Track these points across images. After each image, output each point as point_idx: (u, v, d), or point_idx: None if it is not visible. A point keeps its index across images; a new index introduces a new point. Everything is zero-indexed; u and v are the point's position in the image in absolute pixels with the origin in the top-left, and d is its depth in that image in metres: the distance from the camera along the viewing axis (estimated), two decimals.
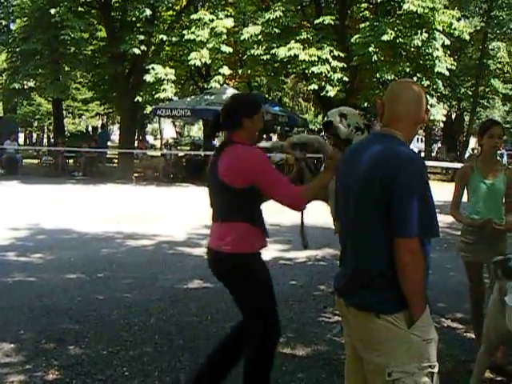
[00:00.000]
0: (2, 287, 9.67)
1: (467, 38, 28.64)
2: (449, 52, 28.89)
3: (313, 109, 56.10)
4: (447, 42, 27.66)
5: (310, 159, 5.66)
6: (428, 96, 27.03)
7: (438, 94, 29.91)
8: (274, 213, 18.51)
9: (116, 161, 33.94)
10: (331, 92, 27.41)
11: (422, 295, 3.60)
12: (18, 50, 33.04)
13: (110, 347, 7.01)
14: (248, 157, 5.06)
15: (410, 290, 3.55)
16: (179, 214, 17.94)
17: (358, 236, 3.70)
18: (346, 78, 27.48)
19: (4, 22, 34.61)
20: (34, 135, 61.95)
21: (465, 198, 6.80)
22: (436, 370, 3.63)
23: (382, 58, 27.25)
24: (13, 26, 36.06)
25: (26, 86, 35.90)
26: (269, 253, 12.63)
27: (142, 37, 28.41)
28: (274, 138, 38.70)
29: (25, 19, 33.10)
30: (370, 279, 3.63)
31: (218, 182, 5.10)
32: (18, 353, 6.88)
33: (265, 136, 37.73)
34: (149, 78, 28.20)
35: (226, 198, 5.11)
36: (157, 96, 29.26)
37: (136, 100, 29.66)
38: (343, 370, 4.11)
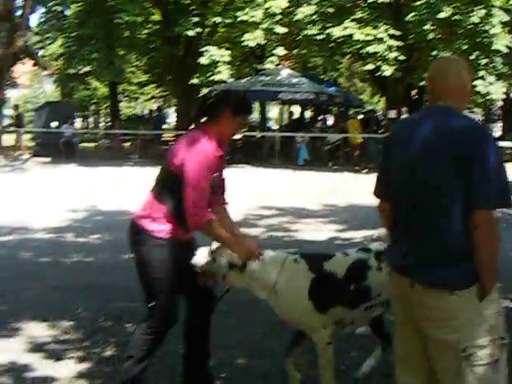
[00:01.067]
0: (60, 267, 9.82)
1: None
2: (508, 29, 28.30)
3: (369, 89, 55.66)
4: (506, 19, 27.15)
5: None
6: (486, 74, 26.64)
7: (497, 72, 29.39)
8: (330, 193, 18.57)
9: (172, 143, 33.95)
10: (387, 71, 27.16)
11: (495, 268, 3.55)
12: (73, 35, 33.40)
13: None
14: (191, 143, 4.96)
15: (486, 262, 3.50)
16: (235, 195, 17.95)
17: (430, 211, 3.61)
18: (401, 57, 27.17)
19: (59, 8, 34.87)
20: (91, 119, 62.54)
21: None
22: (506, 341, 3.61)
23: (439, 36, 26.89)
24: (68, 12, 36.35)
25: (81, 71, 36.22)
26: (325, 233, 12.69)
27: (195, 19, 28.44)
28: (330, 118, 38.56)
29: (80, 4, 33.35)
30: (444, 254, 3.56)
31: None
32: (76, 330, 6.99)
33: (320, 117, 37.66)
34: (203, 60, 28.23)
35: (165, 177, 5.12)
36: (212, 78, 29.24)
37: (191, 82, 29.69)
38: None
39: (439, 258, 3.57)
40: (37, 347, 6.53)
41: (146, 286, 5.18)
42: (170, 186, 4.99)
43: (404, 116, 31.95)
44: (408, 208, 3.74)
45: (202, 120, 5.16)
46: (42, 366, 5.98)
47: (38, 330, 7.04)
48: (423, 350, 3.73)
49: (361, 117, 32.12)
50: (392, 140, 3.95)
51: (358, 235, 12.43)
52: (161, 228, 5.00)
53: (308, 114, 42.67)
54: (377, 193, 4.05)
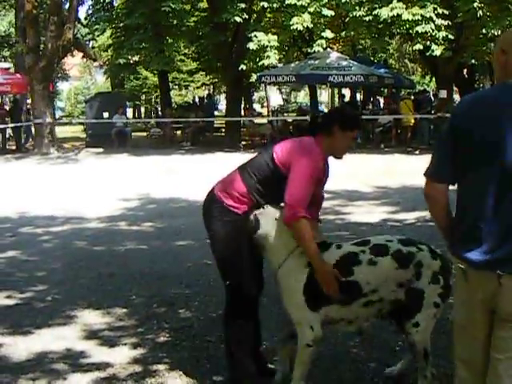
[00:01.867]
0: (114, 255, 9.92)
1: None
2: None
3: (420, 69, 55.17)
4: None
5: None
6: None
7: None
8: (381, 175, 18.45)
9: (223, 130, 34.14)
10: (437, 51, 26.78)
11: None
12: (121, 25, 33.61)
13: (219, 310, 7.07)
14: (306, 149, 5.01)
15: None
16: None
17: None
18: (451, 36, 26.76)
19: None
20: (142, 108, 62.95)
21: None
22: None
23: (488, 13, 26.41)
24: (115, 2, 36.60)
25: (131, 61, 36.46)
26: (377, 215, 12.64)
27: (243, 5, 28.33)
28: (381, 100, 38.26)
29: None
30: None
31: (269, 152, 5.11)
32: (130, 317, 7.06)
33: (372, 99, 37.39)
34: (252, 45, 28.11)
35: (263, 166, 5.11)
36: (261, 63, 29.13)
37: (240, 68, 29.63)
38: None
39: None
40: (91, 334, 6.61)
41: (221, 264, 5.22)
42: (266, 174, 5.05)
43: (463, 95, 31.55)
44: (493, 194, 3.41)
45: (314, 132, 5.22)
46: (97, 353, 6.06)
47: (93, 318, 7.12)
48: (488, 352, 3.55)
49: (413, 97, 31.87)
50: (463, 119, 3.55)
51: (410, 217, 12.38)
52: (238, 205, 5.05)
53: (359, 96, 42.42)
54: (433, 175, 3.70)
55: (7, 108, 34.46)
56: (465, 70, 36.59)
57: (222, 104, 53.33)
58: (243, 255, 5.05)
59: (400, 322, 5.09)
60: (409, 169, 19.25)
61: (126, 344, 6.29)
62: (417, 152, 25.32)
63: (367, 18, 27.31)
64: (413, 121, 28.44)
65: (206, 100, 39.64)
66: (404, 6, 26.43)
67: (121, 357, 5.98)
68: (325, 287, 4.79)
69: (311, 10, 27.75)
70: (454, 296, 3.78)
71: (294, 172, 4.87)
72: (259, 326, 5.47)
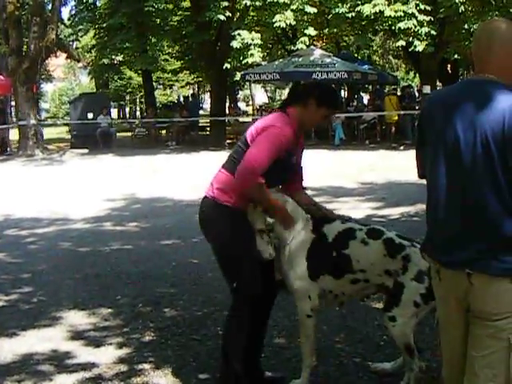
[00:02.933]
0: (100, 256, 9.92)
1: None
2: None
3: (403, 66, 55.28)
4: None
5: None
6: None
7: None
8: (366, 171, 18.52)
9: (208, 129, 34.15)
10: (420, 47, 26.81)
11: None
12: (104, 25, 33.61)
13: (205, 308, 7.13)
14: (272, 121, 5.02)
15: None
16: None
17: (489, 196, 3.32)
18: (433, 32, 26.79)
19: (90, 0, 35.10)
20: (127, 108, 62.89)
21: None
22: None
23: (470, 8, 26.51)
24: (98, 3, 36.53)
25: (115, 61, 36.42)
26: (362, 211, 12.68)
27: (225, 3, 28.29)
28: (366, 97, 38.36)
29: None
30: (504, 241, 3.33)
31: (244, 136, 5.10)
32: (115, 317, 7.06)
33: (356, 96, 37.47)
34: (235, 44, 28.10)
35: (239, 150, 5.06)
36: (245, 61, 29.13)
37: (224, 67, 29.65)
38: None
39: (508, 246, 3.35)
40: (77, 335, 6.61)
41: (227, 264, 5.16)
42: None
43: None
44: (448, 195, 3.45)
45: (288, 103, 5.21)
46: (83, 353, 6.06)
47: (78, 318, 7.12)
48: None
49: (398, 93, 31.99)
50: (422, 118, 3.67)
51: (395, 212, 12.44)
52: (235, 199, 4.99)
53: (343, 93, 42.51)
54: (421, 176, 3.75)
55: None
56: (448, 66, 36.71)
57: (207, 103, 53.32)
58: (248, 250, 4.99)
59: None
60: (393, 164, 19.35)
61: (111, 344, 6.29)
62: (401, 148, 25.43)
63: (350, 15, 27.34)
64: (396, 117, 28.54)
65: (190, 99, 39.63)
66: (386, 3, 26.47)
67: (106, 357, 5.98)
68: (285, 225, 4.99)
69: (294, 7, 27.78)
70: (434, 294, 3.79)
71: (255, 141, 4.88)
72: (262, 331, 5.42)
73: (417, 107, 28.44)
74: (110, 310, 7.22)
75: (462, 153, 3.34)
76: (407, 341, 4.92)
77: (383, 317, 4.95)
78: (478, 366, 3.44)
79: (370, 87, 35.91)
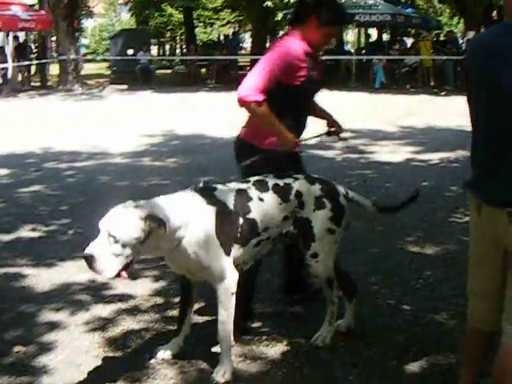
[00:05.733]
0: (137, 190, 9.94)
1: None
2: None
3: (448, 11, 54.28)
4: None
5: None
6: None
7: None
8: (405, 115, 18.36)
9: (248, 68, 33.89)
10: None
11: None
12: None
13: None
14: (277, 42, 5.08)
15: None
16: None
17: None
18: None
19: None
20: (167, 46, 62.55)
21: None
22: None
23: None
24: None
25: None
26: (401, 155, 12.58)
27: None
28: (408, 41, 37.80)
29: None
30: None
31: None
32: None
33: (398, 38, 36.94)
34: None
35: None
36: (286, 0, 28.81)
37: (265, 5, 29.33)
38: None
39: None
40: None
41: None
42: (272, 97, 4.82)
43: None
44: (494, 130, 3.40)
45: (291, 23, 5.16)
46: (119, 285, 6.10)
47: None
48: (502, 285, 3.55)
49: (435, 38, 31.47)
50: (467, 63, 3.61)
51: (435, 157, 12.33)
52: (268, 140, 4.98)
53: (385, 36, 41.92)
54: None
55: (32, 45, 34.44)
56: (494, 12, 36.01)
57: (247, 42, 52.86)
58: None
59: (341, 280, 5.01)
60: (434, 110, 19.14)
61: (147, 277, 6.36)
62: (442, 93, 25.07)
63: None
64: (431, 62, 28.18)
65: (230, 38, 39.31)
66: None
67: (143, 289, 6.06)
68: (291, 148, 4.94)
69: None
70: (470, 231, 3.75)
71: (258, 64, 4.86)
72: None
73: (459, 53, 27.99)
74: None
75: (503, 93, 3.29)
76: (330, 274, 4.83)
77: (305, 257, 4.75)
78: None
79: (413, 31, 35.33)
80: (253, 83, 4.75)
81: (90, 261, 3.94)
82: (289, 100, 4.94)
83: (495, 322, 3.57)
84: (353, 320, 5.09)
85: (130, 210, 4.08)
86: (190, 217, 4.24)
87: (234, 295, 4.43)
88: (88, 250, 3.95)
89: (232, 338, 4.55)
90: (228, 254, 4.38)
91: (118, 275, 4.04)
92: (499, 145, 3.35)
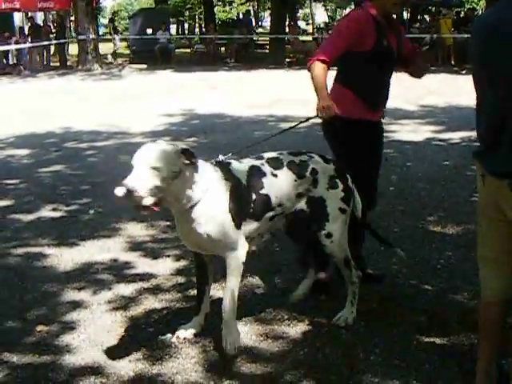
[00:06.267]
0: None
1: None
2: None
3: None
4: None
5: None
6: None
7: None
8: (426, 94, 18.25)
9: (267, 47, 33.81)
10: None
11: None
12: None
13: None
14: (348, 15, 5.36)
15: None
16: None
17: None
18: None
19: None
20: (186, 25, 62.47)
21: None
22: None
23: None
24: None
25: None
26: (422, 134, 12.53)
27: None
28: (428, 19, 37.50)
29: None
30: None
31: None
32: (173, 229, 7.07)
33: (419, 17, 36.67)
34: None
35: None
36: None
37: None
38: None
39: None
40: (135, 246, 6.72)
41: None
42: (353, 68, 5.20)
43: None
44: (493, 105, 3.47)
45: None
46: (141, 264, 6.16)
47: (137, 230, 7.22)
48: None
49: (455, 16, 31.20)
50: (471, 45, 3.65)
51: (456, 136, 12.27)
52: (348, 109, 5.06)
53: (406, 14, 41.67)
54: None
55: (51, 25, 34.48)
56: None
57: (266, 21, 52.71)
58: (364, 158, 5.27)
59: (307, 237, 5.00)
60: (455, 88, 18.98)
61: (169, 256, 6.39)
62: (463, 72, 24.86)
63: None
64: (452, 40, 27.97)
65: (250, 16, 39.13)
66: None
67: (164, 268, 6.08)
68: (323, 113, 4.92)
69: None
70: (477, 198, 3.86)
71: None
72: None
73: None
74: (167, 223, 7.26)
75: (502, 68, 3.34)
76: (346, 253, 4.88)
77: (319, 238, 4.77)
78: None
79: (433, 9, 35.01)
80: (321, 49, 5.15)
81: (130, 192, 4.05)
82: (361, 67, 5.15)
83: (505, 290, 3.72)
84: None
85: (165, 145, 4.28)
86: (209, 185, 4.37)
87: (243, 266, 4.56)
88: (128, 182, 4.07)
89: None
90: (238, 227, 4.47)
91: (153, 207, 4.18)
92: (501, 119, 3.40)
